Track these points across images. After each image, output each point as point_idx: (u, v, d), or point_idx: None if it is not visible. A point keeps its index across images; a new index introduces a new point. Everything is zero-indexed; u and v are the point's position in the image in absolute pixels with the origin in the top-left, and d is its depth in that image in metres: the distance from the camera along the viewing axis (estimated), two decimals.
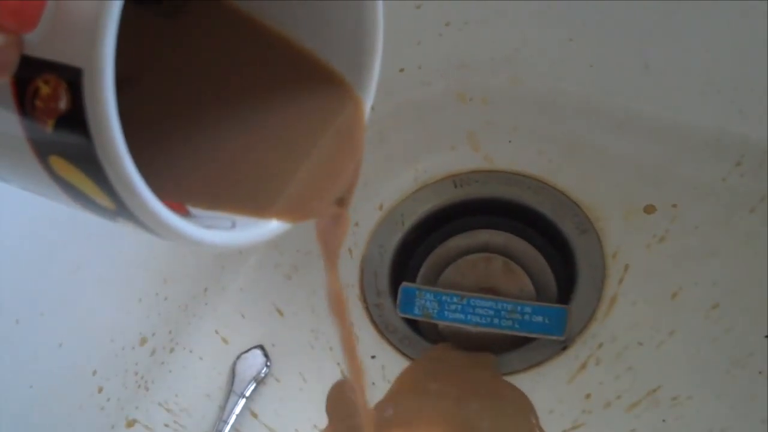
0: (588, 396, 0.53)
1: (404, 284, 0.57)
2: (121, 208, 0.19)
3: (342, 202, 0.27)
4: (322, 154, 0.25)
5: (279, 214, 0.24)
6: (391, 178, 0.60)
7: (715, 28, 0.49)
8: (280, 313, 0.59)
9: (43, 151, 0.18)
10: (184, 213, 0.22)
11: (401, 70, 0.57)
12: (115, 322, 0.49)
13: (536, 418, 0.53)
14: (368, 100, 0.26)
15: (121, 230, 0.47)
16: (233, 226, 0.23)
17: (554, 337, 0.54)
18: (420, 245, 0.60)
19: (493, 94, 0.58)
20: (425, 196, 0.60)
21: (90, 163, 0.18)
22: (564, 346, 0.55)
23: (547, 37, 0.54)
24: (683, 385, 0.52)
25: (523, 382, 0.54)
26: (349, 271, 0.60)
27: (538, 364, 0.55)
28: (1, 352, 0.42)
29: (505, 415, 0.53)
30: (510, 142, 0.59)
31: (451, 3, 0.54)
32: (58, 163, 0.18)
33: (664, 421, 0.51)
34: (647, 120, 0.55)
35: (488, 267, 0.58)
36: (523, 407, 0.54)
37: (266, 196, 0.24)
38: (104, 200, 0.19)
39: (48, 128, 0.18)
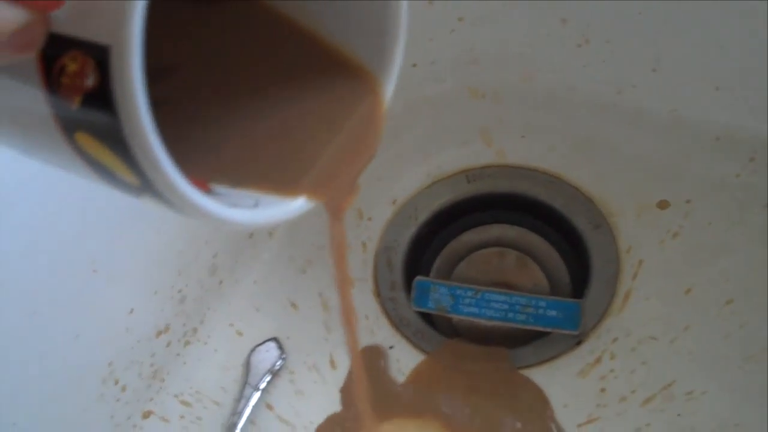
0: (602, 390, 0.53)
1: (418, 278, 0.57)
2: (145, 184, 0.19)
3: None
4: (344, 139, 0.26)
5: (301, 193, 0.24)
6: (404, 173, 0.61)
7: (727, 25, 0.49)
8: (294, 306, 0.59)
9: (68, 127, 0.19)
10: (207, 190, 0.23)
11: (414, 66, 0.58)
12: (130, 315, 0.49)
13: (551, 411, 0.53)
14: (389, 89, 0.26)
15: (137, 223, 0.47)
16: (256, 205, 0.23)
17: (568, 332, 0.54)
18: (433, 240, 0.60)
19: (505, 90, 0.58)
20: (438, 191, 0.60)
21: (116, 139, 0.18)
22: (578, 341, 0.55)
23: (560, 33, 0.54)
24: (697, 380, 0.51)
25: (537, 376, 0.54)
26: (363, 266, 0.60)
27: (553, 358, 0.55)
28: (19, 343, 0.42)
29: (519, 409, 0.53)
30: (523, 137, 0.59)
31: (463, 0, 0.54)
32: (83, 139, 0.19)
33: (678, 415, 0.51)
34: (660, 116, 0.55)
35: (502, 261, 0.58)
36: (538, 401, 0.54)
37: (290, 175, 0.25)
38: (129, 176, 0.19)
39: (74, 105, 0.18)
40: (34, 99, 0.19)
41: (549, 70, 0.56)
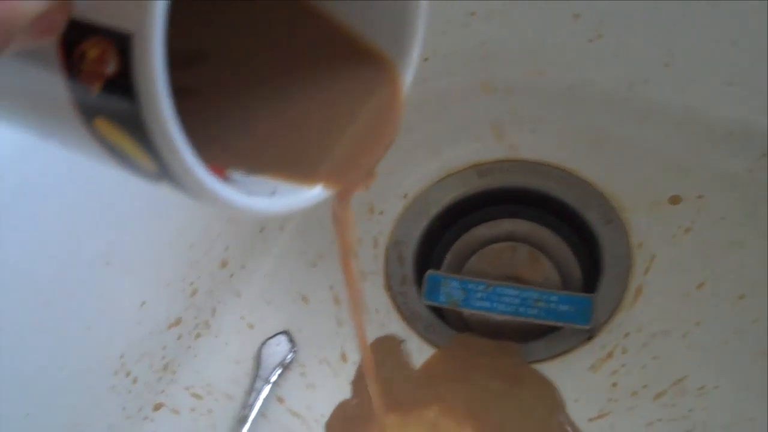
0: (614, 385, 0.53)
1: (430, 272, 0.57)
2: (163, 171, 0.19)
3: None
4: (362, 127, 0.26)
5: (319, 181, 0.24)
6: (415, 167, 0.61)
7: (740, 20, 0.49)
8: (305, 299, 0.59)
9: (87, 113, 0.19)
10: (224, 177, 0.23)
11: (426, 60, 0.57)
12: (142, 307, 0.50)
13: (562, 405, 0.53)
14: (408, 76, 0.26)
15: (150, 216, 0.47)
16: (274, 192, 0.23)
17: (580, 326, 0.54)
18: (445, 234, 0.60)
19: (517, 85, 0.58)
20: (450, 185, 0.60)
21: (135, 126, 0.18)
22: (590, 336, 0.55)
23: (572, 28, 0.54)
24: (709, 375, 0.51)
25: (548, 370, 0.54)
26: (374, 260, 0.60)
27: (564, 353, 0.55)
28: (32, 333, 0.42)
29: (530, 403, 0.53)
30: (534, 132, 0.59)
31: None
32: (102, 124, 0.19)
33: (690, 410, 0.51)
34: (673, 110, 0.55)
35: (513, 256, 0.58)
36: (549, 395, 0.54)
37: (307, 163, 0.25)
38: (147, 163, 0.19)
39: (94, 91, 0.18)
40: (54, 84, 0.18)
41: (561, 65, 0.56)
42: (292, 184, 0.24)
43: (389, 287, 0.59)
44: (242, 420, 0.54)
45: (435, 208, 0.60)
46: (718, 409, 0.51)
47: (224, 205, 0.20)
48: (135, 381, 0.50)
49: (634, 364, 0.53)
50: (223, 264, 0.55)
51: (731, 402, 0.50)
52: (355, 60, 0.26)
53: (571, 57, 0.56)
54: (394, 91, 0.26)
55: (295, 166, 0.25)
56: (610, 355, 0.54)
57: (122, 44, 0.17)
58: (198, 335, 0.55)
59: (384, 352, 0.56)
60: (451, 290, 0.56)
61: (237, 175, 0.23)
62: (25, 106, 0.21)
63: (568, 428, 0.52)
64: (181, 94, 0.18)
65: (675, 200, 0.55)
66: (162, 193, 0.48)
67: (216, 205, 0.20)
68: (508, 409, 0.53)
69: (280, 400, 0.56)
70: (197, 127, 0.21)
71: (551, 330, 0.56)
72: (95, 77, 0.18)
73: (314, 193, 0.24)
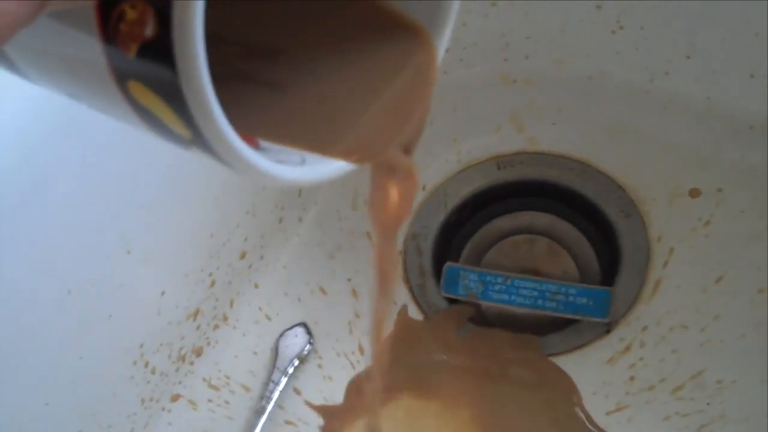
0: (632, 378, 0.53)
1: (448, 264, 0.57)
2: (197, 137, 0.19)
3: (408, 149, 0.27)
4: (392, 98, 0.26)
5: (344, 153, 0.24)
6: (434, 159, 0.61)
7: (762, 12, 0.49)
8: (323, 291, 0.59)
9: (122, 75, 0.18)
10: (255, 146, 0.23)
11: (446, 51, 0.57)
12: (162, 297, 0.50)
13: (579, 398, 0.53)
14: (442, 47, 0.26)
15: (171, 206, 0.47)
16: (303, 162, 0.23)
17: (598, 320, 0.54)
18: (463, 226, 0.60)
19: (537, 76, 0.58)
20: (468, 177, 0.60)
21: (170, 91, 0.18)
22: (608, 329, 0.55)
23: (593, 19, 0.54)
24: (727, 369, 0.51)
25: (566, 363, 0.54)
26: None
27: (582, 346, 0.55)
28: (53, 321, 0.42)
29: (547, 395, 0.53)
30: (554, 124, 0.59)
31: None
32: (136, 88, 0.18)
33: (708, 404, 0.51)
34: (693, 103, 0.54)
35: (532, 249, 0.57)
36: (566, 388, 0.54)
37: (335, 134, 0.25)
38: (181, 129, 0.19)
39: (130, 54, 0.17)
40: (89, 45, 0.18)
41: (582, 57, 0.56)
42: (320, 155, 0.24)
43: (407, 279, 0.59)
44: (259, 411, 0.54)
45: (453, 201, 0.60)
46: (735, 403, 0.51)
47: (255, 173, 0.20)
48: (153, 371, 0.51)
49: (652, 358, 0.53)
50: (242, 255, 0.55)
51: (749, 396, 0.50)
52: (391, 34, 0.26)
53: (591, 48, 0.55)
54: (428, 60, 0.26)
55: (320, 138, 0.24)
56: (628, 348, 0.54)
57: (162, 7, 0.17)
58: (216, 326, 0.55)
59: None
60: (469, 283, 0.56)
61: (267, 144, 0.23)
62: (60, 66, 0.20)
63: (586, 422, 0.53)
64: (214, 62, 0.18)
65: (694, 193, 0.55)
66: (182, 183, 0.48)
67: (247, 173, 0.20)
68: (523, 400, 0.53)
69: (297, 391, 0.56)
70: (231, 96, 0.21)
71: (569, 323, 0.56)
72: (132, 39, 0.17)
73: (342, 163, 0.24)
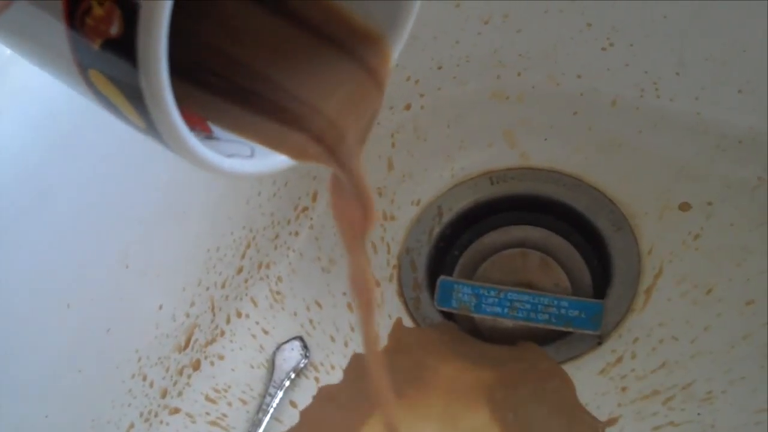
0: (623, 389, 0.54)
1: (442, 278, 0.57)
2: (151, 130, 0.20)
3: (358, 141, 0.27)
4: (345, 98, 0.26)
5: (292, 149, 0.25)
6: (428, 174, 0.61)
7: (750, 28, 0.49)
8: (319, 305, 0.59)
9: (84, 63, 0.19)
10: (207, 131, 0.24)
11: (439, 68, 0.58)
12: (160, 310, 0.50)
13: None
14: (397, 49, 0.27)
15: (168, 220, 0.48)
16: (252, 154, 0.24)
17: (590, 332, 0.55)
18: (457, 240, 0.61)
19: (529, 93, 0.59)
20: (462, 192, 0.61)
21: (129, 87, 0.18)
22: (599, 341, 0.55)
23: (584, 37, 0.54)
24: (717, 380, 0.52)
25: None
26: (387, 265, 0.60)
27: (574, 357, 0.55)
28: (53, 335, 0.43)
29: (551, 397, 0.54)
30: (546, 139, 0.59)
31: (489, 2, 0.55)
32: (97, 77, 0.19)
33: (699, 414, 0.51)
34: (683, 119, 0.55)
35: (525, 262, 0.58)
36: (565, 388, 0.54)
37: (285, 130, 0.25)
38: (137, 120, 0.20)
39: (94, 47, 0.18)
40: (56, 32, 0.19)
41: (573, 73, 0.57)
42: (270, 148, 0.25)
43: (401, 293, 0.59)
44: (256, 424, 0.55)
45: (447, 215, 0.60)
46: (726, 414, 0.51)
47: (202, 166, 0.21)
48: (152, 385, 0.51)
49: (644, 369, 0.54)
50: (239, 269, 0.56)
51: (739, 407, 0.51)
52: (350, 38, 0.27)
53: (582, 65, 0.56)
54: (381, 63, 0.27)
55: (274, 131, 0.25)
56: (619, 360, 0.55)
57: (129, 10, 0.17)
58: (213, 340, 0.56)
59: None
60: (463, 296, 0.57)
61: (219, 132, 0.24)
62: (31, 47, 0.21)
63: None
64: (178, 52, 0.19)
65: (684, 207, 0.56)
66: (180, 198, 0.48)
67: (195, 165, 0.21)
68: (526, 404, 0.53)
69: (294, 405, 0.56)
70: (191, 83, 0.22)
71: (562, 335, 0.56)
72: (97, 34, 0.18)
73: (288, 158, 0.25)
